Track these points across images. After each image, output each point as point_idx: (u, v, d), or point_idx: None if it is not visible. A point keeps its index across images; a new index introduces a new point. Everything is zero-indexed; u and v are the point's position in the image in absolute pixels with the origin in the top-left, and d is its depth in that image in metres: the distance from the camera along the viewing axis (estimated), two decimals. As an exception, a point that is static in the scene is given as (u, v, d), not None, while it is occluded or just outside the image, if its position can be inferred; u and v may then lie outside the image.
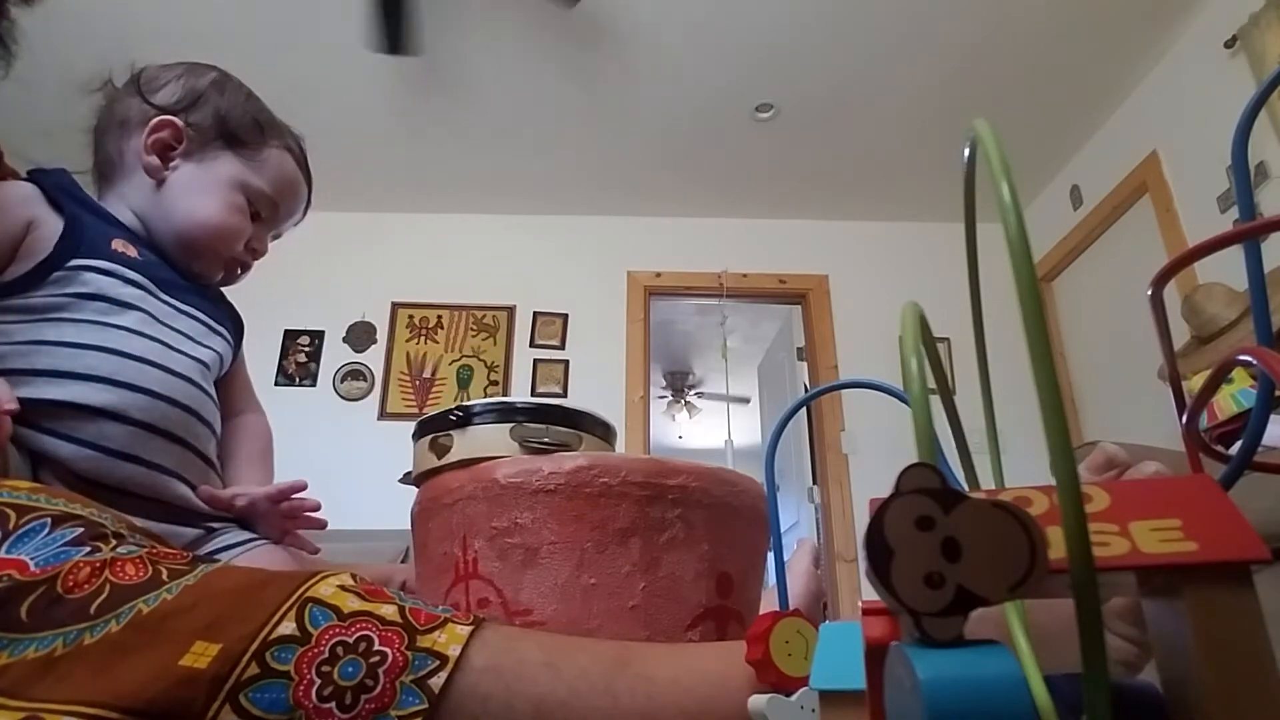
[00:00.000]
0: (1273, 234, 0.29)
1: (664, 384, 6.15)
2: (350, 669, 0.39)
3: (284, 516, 0.73)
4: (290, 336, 3.55)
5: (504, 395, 3.44)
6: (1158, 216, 2.77)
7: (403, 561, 1.94)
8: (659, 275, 3.72)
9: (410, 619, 0.42)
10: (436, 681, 0.39)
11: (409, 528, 0.62)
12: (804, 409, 2.85)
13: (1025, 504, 0.22)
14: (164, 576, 0.42)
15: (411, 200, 3.71)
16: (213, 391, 0.75)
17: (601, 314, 3.63)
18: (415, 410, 3.41)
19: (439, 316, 3.61)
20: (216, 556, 0.67)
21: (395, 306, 3.63)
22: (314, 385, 3.49)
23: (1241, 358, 0.23)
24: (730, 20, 2.65)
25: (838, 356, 3.54)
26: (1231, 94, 2.44)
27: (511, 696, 0.40)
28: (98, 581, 0.41)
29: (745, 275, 3.69)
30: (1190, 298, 2.18)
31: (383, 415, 3.44)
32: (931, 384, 0.24)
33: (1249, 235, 0.24)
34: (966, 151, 0.26)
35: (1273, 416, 1.25)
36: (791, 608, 0.42)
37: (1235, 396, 1.79)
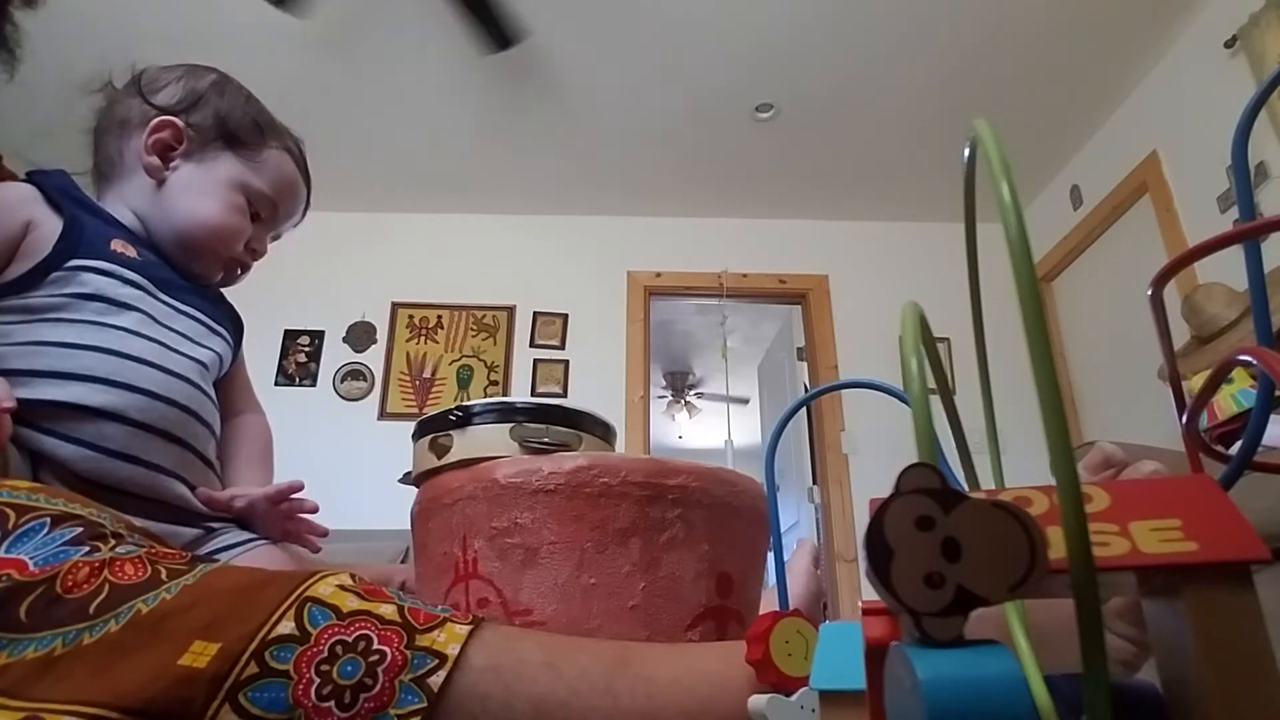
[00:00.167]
0: (1273, 234, 0.29)
1: (664, 384, 6.15)
2: (349, 668, 0.39)
3: (283, 517, 0.73)
4: (290, 336, 3.55)
5: (504, 395, 3.44)
6: (1158, 216, 2.77)
7: (403, 561, 1.95)
8: (659, 275, 3.72)
9: (409, 618, 0.42)
10: (435, 680, 0.39)
11: (409, 528, 0.62)
12: (804, 409, 2.85)
13: (1025, 504, 0.22)
14: (163, 576, 0.42)
15: (411, 200, 3.71)
16: (212, 392, 0.75)
17: (601, 314, 3.63)
18: (415, 410, 3.41)
19: (439, 316, 3.61)
20: (216, 556, 0.67)
21: (395, 306, 3.63)
22: (314, 385, 3.49)
23: (1241, 358, 0.23)
24: (730, 20, 2.65)
25: (838, 356, 3.54)
26: (1231, 94, 2.44)
27: (511, 696, 0.40)
28: (97, 581, 0.41)
29: (745, 275, 3.69)
30: (1190, 298, 2.18)
31: (383, 415, 3.44)
32: (931, 384, 0.24)
33: (1249, 235, 0.24)
34: (966, 151, 0.26)
35: (1273, 416, 1.25)
36: (791, 608, 0.42)
37: (1235, 396, 1.79)
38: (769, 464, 0.44)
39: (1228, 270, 2.18)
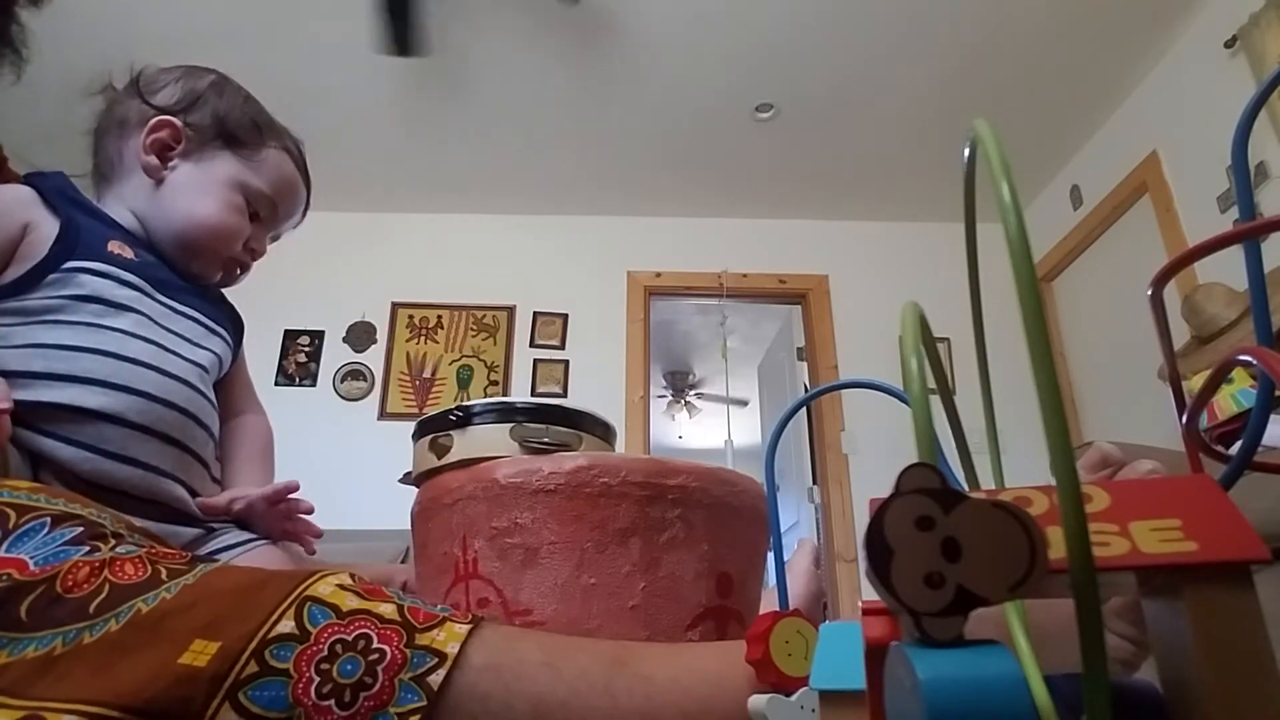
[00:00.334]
0: (1273, 234, 0.29)
1: (664, 384, 6.16)
2: (349, 666, 0.39)
3: (281, 517, 0.73)
4: (290, 336, 3.55)
5: (504, 395, 3.44)
6: (1158, 216, 2.77)
7: (403, 561, 1.95)
8: (659, 275, 3.72)
9: (409, 617, 0.42)
10: (435, 679, 0.39)
11: (409, 528, 0.62)
12: (804, 409, 2.85)
13: (1025, 504, 0.22)
14: (163, 576, 0.42)
15: (411, 200, 3.71)
16: (211, 394, 0.75)
17: (601, 314, 3.63)
18: (415, 410, 3.41)
19: (439, 316, 3.61)
20: (216, 556, 0.67)
21: (395, 306, 3.63)
22: (314, 385, 3.49)
23: (1241, 358, 0.23)
24: (730, 20, 2.65)
25: (838, 356, 3.54)
26: (1231, 94, 2.44)
27: (510, 695, 0.41)
28: (97, 581, 0.41)
29: (745, 275, 3.69)
30: (1190, 298, 2.18)
31: (383, 415, 3.44)
32: (931, 384, 0.24)
33: (1249, 235, 0.24)
34: (966, 151, 0.26)
35: (1273, 416, 1.25)
36: (791, 608, 0.42)
37: (1235, 396, 1.79)
38: (769, 464, 0.44)
39: (1228, 270, 2.18)
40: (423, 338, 3.58)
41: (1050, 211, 3.44)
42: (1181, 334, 2.21)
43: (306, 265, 3.46)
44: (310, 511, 0.74)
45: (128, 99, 0.77)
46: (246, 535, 0.71)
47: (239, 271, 0.82)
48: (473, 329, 3.59)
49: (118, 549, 0.44)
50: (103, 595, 0.41)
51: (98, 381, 0.63)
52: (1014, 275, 0.18)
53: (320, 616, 0.40)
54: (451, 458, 0.59)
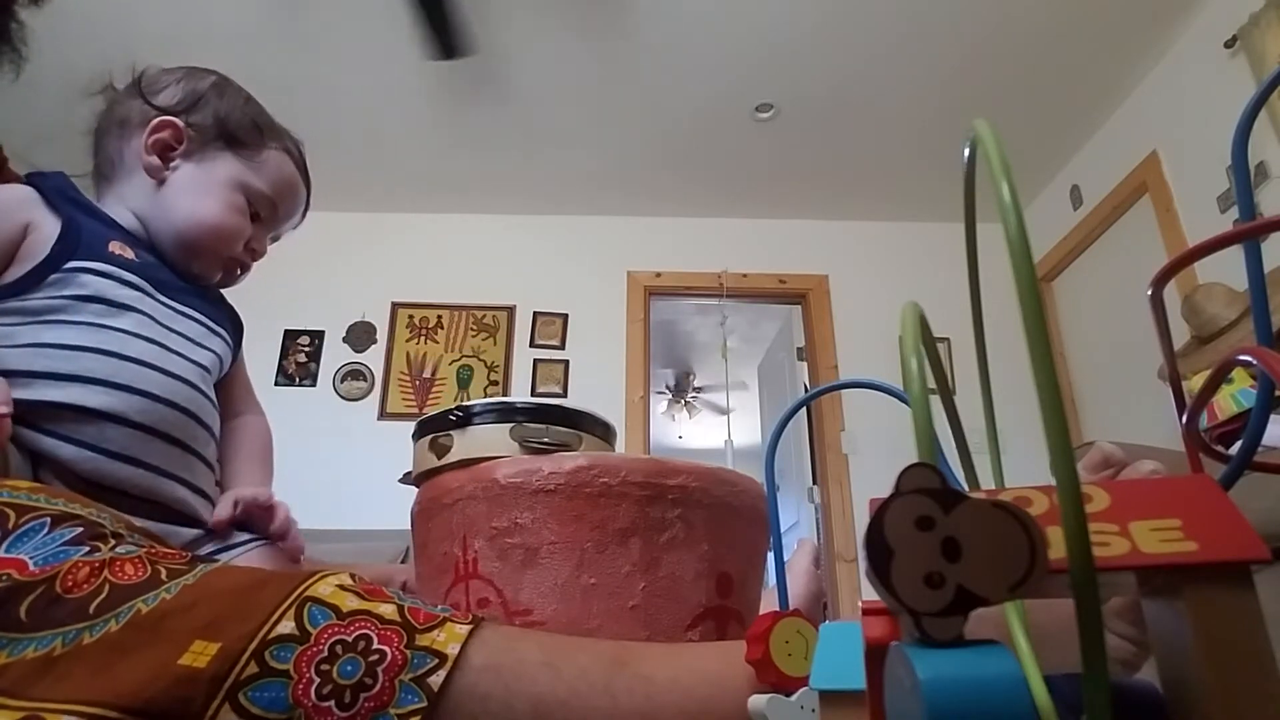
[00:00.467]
0: (1273, 234, 0.29)
1: (664, 384, 6.15)
2: (349, 667, 0.39)
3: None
4: (290, 336, 3.55)
5: (504, 395, 3.44)
6: (1158, 216, 2.77)
7: (403, 561, 1.95)
8: (659, 275, 3.72)
9: (409, 618, 0.42)
10: (435, 680, 0.39)
11: (409, 528, 0.62)
12: (804, 409, 2.85)
13: (1025, 504, 0.22)
14: (163, 576, 0.42)
15: (411, 200, 3.71)
16: (212, 394, 0.75)
17: (601, 314, 3.63)
18: (415, 410, 3.40)
19: (439, 316, 3.61)
20: (215, 556, 0.67)
21: (395, 306, 3.62)
22: (314, 385, 3.49)
23: (1241, 358, 0.23)
24: (730, 20, 2.65)
25: (838, 356, 3.54)
26: (1231, 94, 2.44)
27: (510, 696, 0.41)
28: (97, 581, 0.41)
29: (745, 275, 3.69)
30: (1190, 298, 2.18)
31: (383, 415, 3.44)
32: (931, 384, 0.24)
33: (1249, 235, 0.24)
34: (966, 151, 0.26)
35: (1273, 416, 1.25)
36: (791, 608, 0.42)
37: (1235, 396, 1.79)
38: (769, 464, 0.44)
39: (1228, 270, 2.18)
40: (423, 338, 3.58)
41: (1050, 211, 3.45)
42: (1181, 334, 2.21)
43: (306, 265, 3.46)
44: (284, 523, 0.73)
45: (129, 99, 0.77)
46: (246, 535, 0.71)
47: (239, 272, 0.82)
48: (473, 329, 3.59)
49: (118, 549, 0.44)
50: (102, 595, 0.41)
51: (100, 381, 0.63)
52: (1014, 275, 0.18)
53: (320, 617, 0.40)
54: (451, 458, 0.59)
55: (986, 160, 0.20)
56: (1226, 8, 2.45)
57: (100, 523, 0.47)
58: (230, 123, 0.78)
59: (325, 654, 0.39)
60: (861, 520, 1.82)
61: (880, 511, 0.18)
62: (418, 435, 0.62)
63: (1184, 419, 0.29)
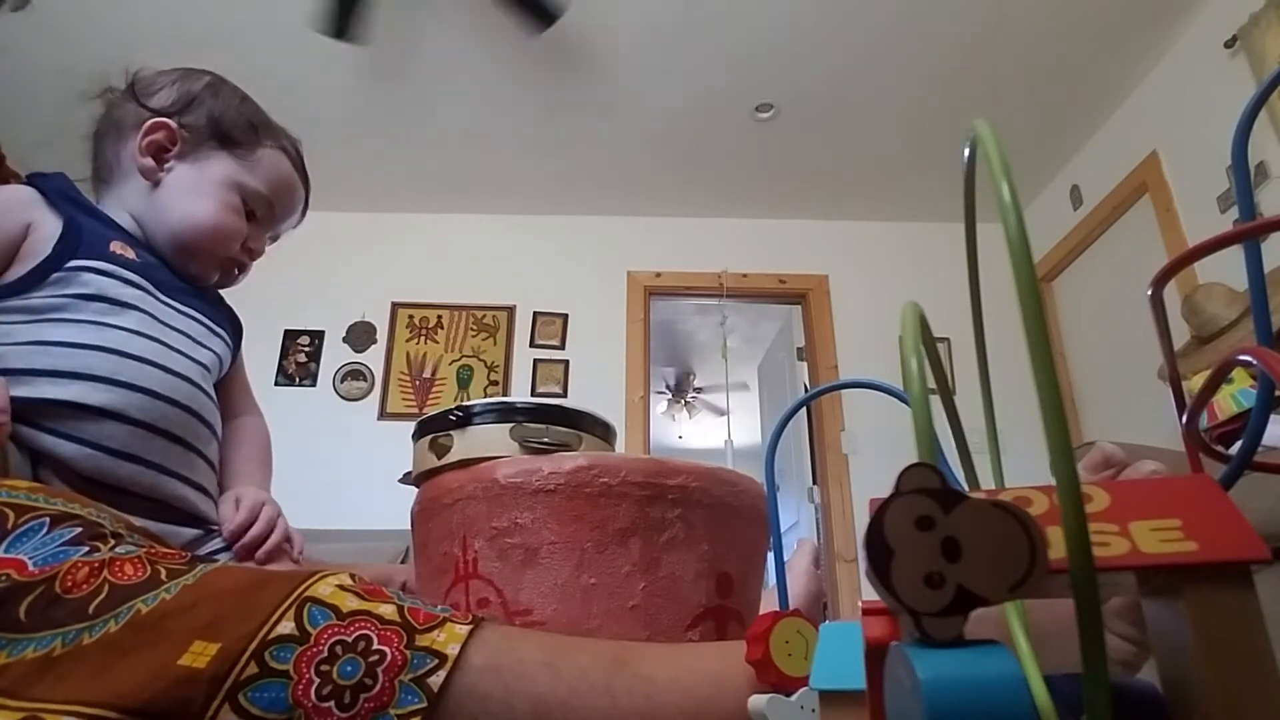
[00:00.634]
0: (1273, 234, 0.29)
1: (664, 384, 6.15)
2: (349, 668, 0.39)
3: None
4: (290, 336, 3.55)
5: (504, 395, 3.44)
6: (1158, 216, 2.77)
7: (403, 561, 1.94)
8: (659, 275, 3.72)
9: (409, 618, 0.42)
10: (435, 680, 0.39)
11: (409, 528, 0.62)
12: (804, 409, 2.85)
13: (1025, 504, 0.22)
14: (163, 576, 0.42)
15: (411, 200, 3.71)
16: (212, 393, 0.75)
17: (601, 314, 3.63)
18: (415, 410, 3.40)
19: (439, 316, 3.61)
20: (215, 557, 0.67)
21: (395, 306, 3.62)
22: (314, 385, 3.49)
23: (1241, 358, 0.23)
24: (730, 20, 2.65)
25: (838, 356, 3.54)
26: (1231, 94, 2.44)
27: (510, 696, 0.40)
28: (96, 581, 0.41)
29: (745, 275, 3.69)
30: (1190, 298, 2.18)
31: (383, 415, 3.44)
32: (931, 384, 0.24)
33: (1249, 235, 0.24)
34: (966, 151, 0.26)
35: (1273, 416, 1.25)
36: (791, 608, 0.42)
37: (1235, 396, 1.79)
38: (769, 464, 0.44)
39: (1228, 270, 2.18)
40: (423, 338, 3.58)
41: (1050, 211, 3.44)
42: (1181, 334, 2.21)
43: (306, 265, 3.46)
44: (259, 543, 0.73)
45: (124, 103, 0.77)
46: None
47: (237, 272, 0.82)
48: (473, 329, 3.59)
49: (117, 549, 0.44)
50: (102, 596, 0.40)
51: (101, 378, 0.63)
52: (1014, 275, 0.18)
53: (320, 617, 0.40)
54: (451, 458, 0.59)
55: (986, 160, 0.20)
56: (1226, 8, 2.44)
57: (100, 523, 0.47)
58: (224, 122, 0.78)
59: (325, 654, 0.39)
60: (861, 520, 1.82)
61: (880, 511, 0.18)
62: (418, 435, 0.62)
63: (1184, 419, 0.29)
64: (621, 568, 0.51)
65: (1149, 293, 0.28)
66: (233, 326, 0.84)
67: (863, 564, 0.18)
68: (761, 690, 0.39)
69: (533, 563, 0.51)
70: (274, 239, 0.85)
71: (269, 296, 3.06)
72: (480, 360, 3.54)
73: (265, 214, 0.80)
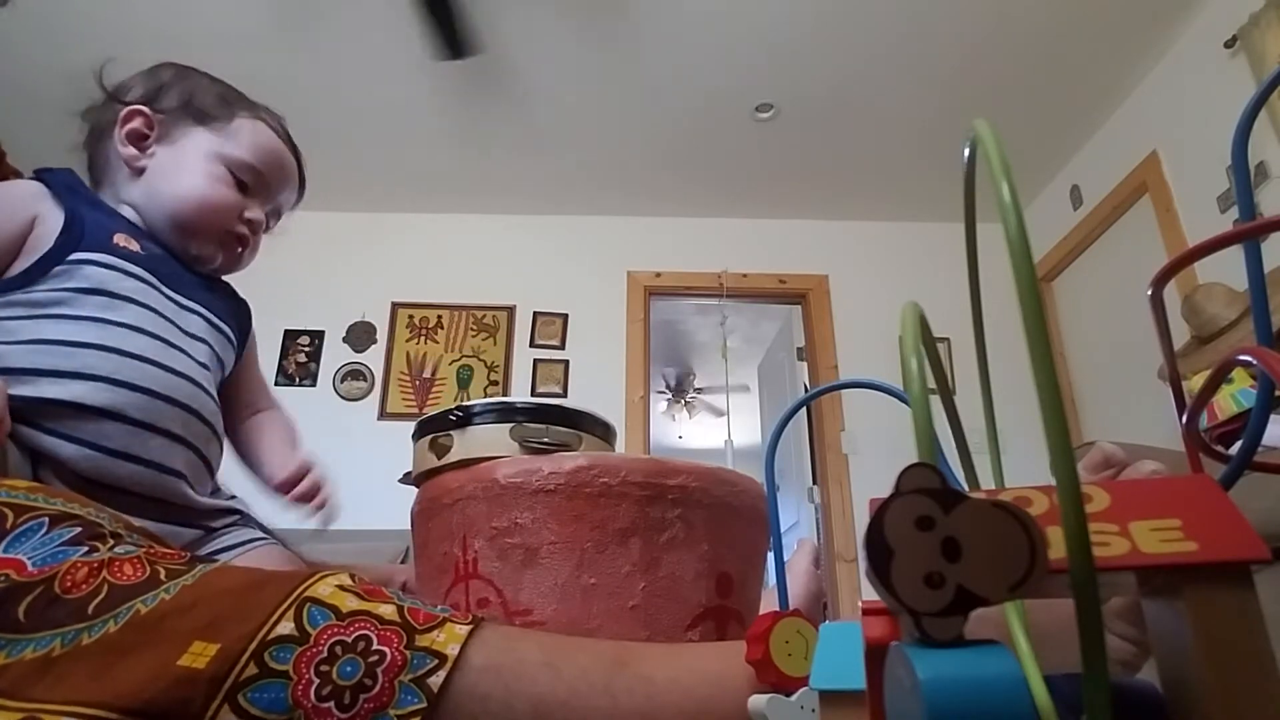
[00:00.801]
0: (1273, 234, 0.29)
1: (664, 384, 6.15)
2: (349, 668, 0.39)
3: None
4: (290, 336, 3.55)
5: (504, 395, 3.44)
6: (1158, 216, 2.77)
7: (403, 561, 1.95)
8: (659, 275, 3.72)
9: (409, 618, 0.42)
10: (435, 680, 0.39)
11: (409, 528, 0.62)
12: (804, 409, 2.85)
13: (1025, 504, 0.22)
14: (162, 576, 0.42)
15: (411, 200, 3.71)
16: (214, 390, 0.75)
17: (601, 314, 3.63)
18: (415, 410, 3.40)
19: (439, 316, 3.61)
20: (215, 557, 0.67)
21: (395, 306, 3.62)
22: (314, 385, 3.49)
23: (1241, 358, 0.23)
24: (730, 20, 2.65)
25: (838, 356, 3.54)
26: (1231, 94, 2.44)
27: (510, 696, 0.40)
28: (96, 581, 0.41)
29: (745, 275, 3.69)
30: (1190, 298, 2.18)
31: (383, 415, 3.44)
32: (931, 384, 0.24)
33: (1249, 235, 0.24)
34: (966, 151, 0.26)
35: (1273, 416, 1.25)
36: (791, 608, 0.42)
37: (1235, 396, 1.79)
38: (769, 464, 0.44)
39: (1228, 270, 2.18)
40: (423, 338, 3.58)
41: (1050, 211, 3.44)
42: (1181, 334, 2.21)
43: (306, 265, 3.46)
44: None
45: (102, 106, 0.79)
46: (246, 535, 0.71)
47: (240, 250, 0.81)
48: (473, 329, 3.59)
49: (116, 549, 0.44)
50: (101, 596, 0.40)
51: (102, 378, 0.63)
52: (1014, 275, 0.18)
53: (320, 618, 0.40)
54: (451, 458, 0.59)
55: (986, 160, 0.20)
56: (1226, 8, 2.44)
57: (99, 523, 0.46)
58: (196, 100, 0.79)
59: (325, 655, 0.39)
60: (861, 520, 1.82)
61: (880, 511, 0.18)
62: (418, 435, 0.62)
63: (1184, 419, 0.29)
64: (621, 568, 0.51)
65: (1149, 293, 0.28)
66: (239, 321, 0.83)
67: (863, 564, 0.18)
68: (761, 690, 0.39)
69: (533, 563, 0.51)
70: (276, 215, 0.84)
71: (269, 296, 3.03)
72: (480, 360, 3.54)
73: (256, 182, 0.80)
